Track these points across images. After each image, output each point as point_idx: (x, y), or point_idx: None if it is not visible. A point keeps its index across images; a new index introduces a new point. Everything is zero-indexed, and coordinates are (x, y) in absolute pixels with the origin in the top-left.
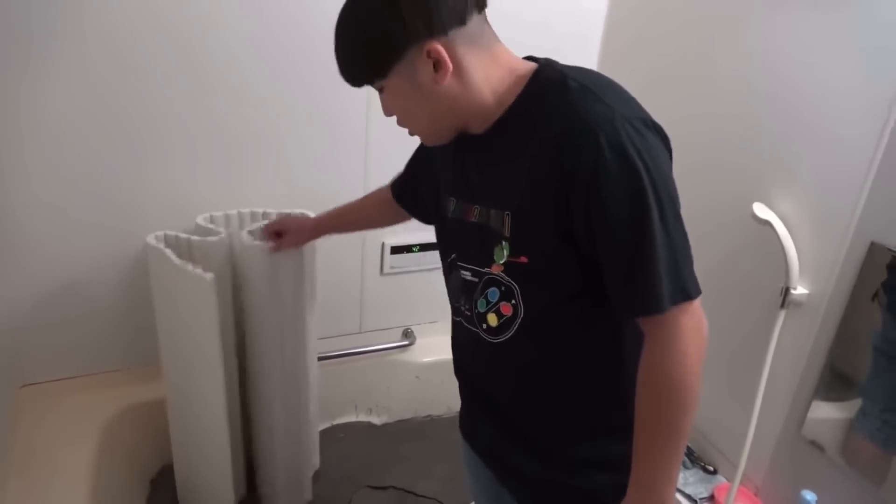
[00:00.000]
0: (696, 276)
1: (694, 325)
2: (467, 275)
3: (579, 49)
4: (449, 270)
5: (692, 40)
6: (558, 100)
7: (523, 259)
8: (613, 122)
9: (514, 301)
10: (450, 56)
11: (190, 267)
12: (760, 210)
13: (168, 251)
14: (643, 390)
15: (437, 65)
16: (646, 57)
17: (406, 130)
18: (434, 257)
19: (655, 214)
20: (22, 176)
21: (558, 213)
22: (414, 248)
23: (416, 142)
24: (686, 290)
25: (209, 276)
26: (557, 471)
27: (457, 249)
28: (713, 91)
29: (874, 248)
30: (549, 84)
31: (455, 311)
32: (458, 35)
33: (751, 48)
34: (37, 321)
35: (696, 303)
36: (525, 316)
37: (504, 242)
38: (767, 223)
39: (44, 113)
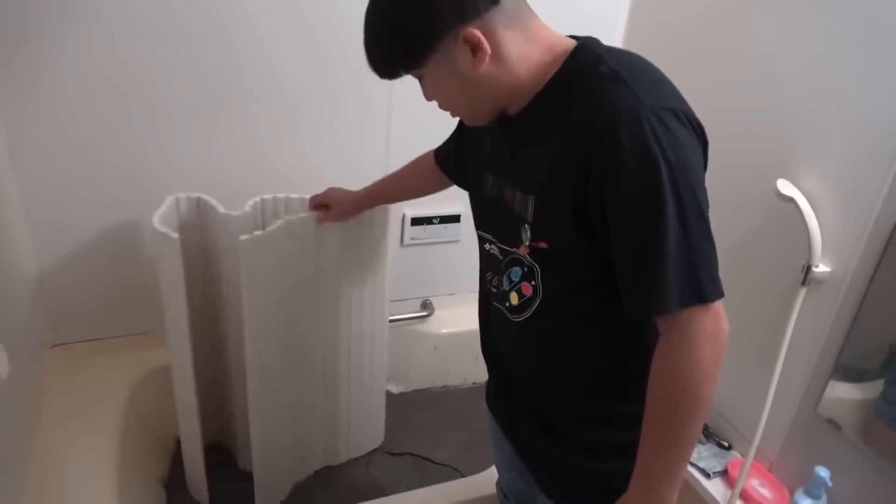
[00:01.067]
0: (718, 279)
1: (711, 330)
2: (494, 250)
3: (606, 19)
4: (481, 243)
5: (721, 10)
6: (588, 85)
7: (542, 244)
8: (639, 112)
9: (534, 282)
10: (487, 39)
11: (159, 226)
12: (785, 187)
13: (157, 217)
14: (652, 389)
15: (475, 49)
16: (673, 28)
17: (445, 113)
18: (454, 230)
19: (672, 210)
20: (55, 139)
21: (577, 202)
22: (434, 220)
23: (440, 120)
24: (702, 294)
25: (175, 235)
26: (572, 454)
27: (488, 226)
28: (741, 64)
29: None
30: (583, 68)
31: (483, 284)
32: (494, 16)
33: (781, 21)
34: (67, 283)
35: (717, 306)
36: (543, 298)
37: (527, 226)
38: (791, 200)
39: (78, 86)
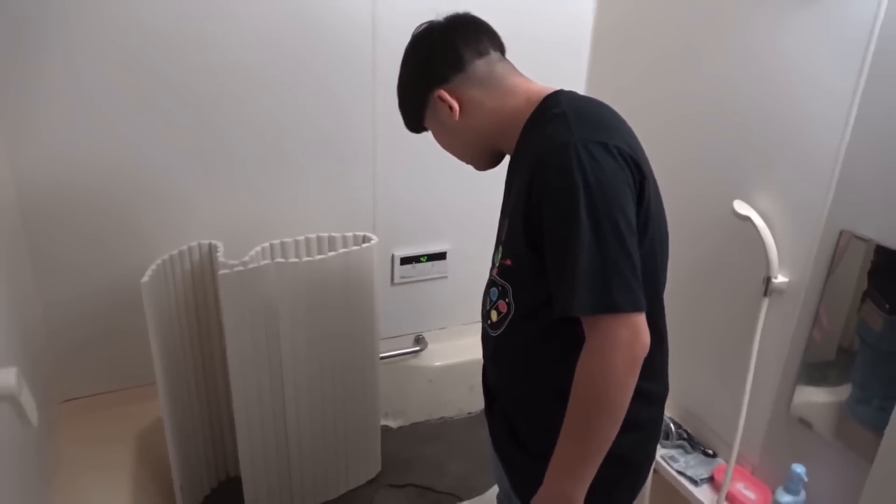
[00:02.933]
0: (636, 293)
1: (626, 339)
2: (490, 277)
3: (570, 56)
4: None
5: (674, 47)
6: (542, 125)
7: (508, 262)
8: (567, 145)
9: (507, 300)
10: (456, 97)
11: (146, 276)
12: (740, 206)
13: (152, 268)
14: (571, 391)
15: (451, 106)
16: (631, 65)
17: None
18: (441, 267)
19: (587, 226)
20: (56, 198)
21: (526, 222)
22: (422, 259)
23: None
24: (613, 303)
25: (143, 279)
26: (533, 460)
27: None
28: (694, 96)
29: (844, 236)
30: (544, 111)
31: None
32: (461, 80)
33: (728, 53)
34: (75, 339)
35: (634, 318)
36: (514, 314)
37: (501, 247)
38: (747, 218)
39: (67, 145)
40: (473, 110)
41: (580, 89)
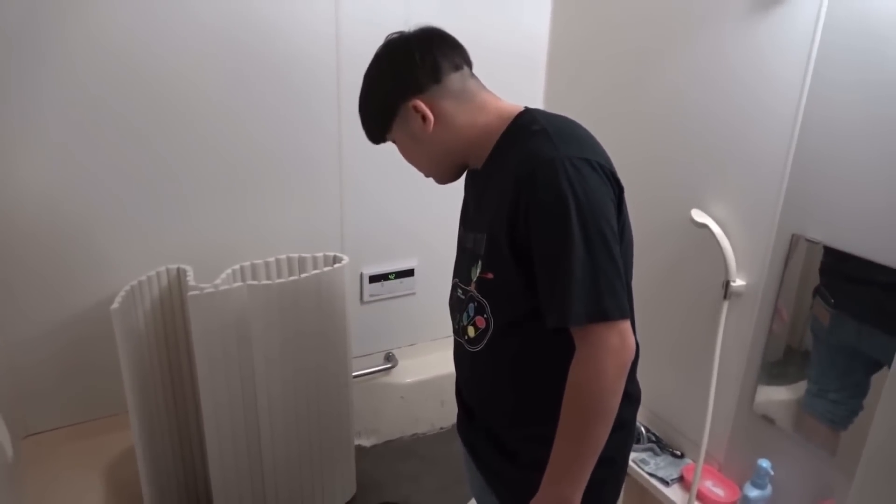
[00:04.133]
0: (622, 301)
1: (615, 345)
2: (459, 293)
3: (527, 72)
4: (452, 290)
5: (628, 62)
6: (523, 141)
7: (489, 275)
8: (554, 160)
9: (486, 315)
10: (431, 108)
11: (116, 303)
12: (698, 215)
13: (122, 295)
14: (565, 397)
15: (424, 116)
16: (587, 80)
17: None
18: (409, 283)
19: (578, 238)
20: (16, 234)
21: (512, 235)
22: (390, 276)
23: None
24: (605, 312)
25: (113, 306)
26: (520, 469)
27: (457, 272)
28: (649, 112)
29: (795, 239)
30: (521, 127)
31: (453, 327)
32: (436, 91)
33: (679, 67)
34: (36, 372)
35: (622, 325)
36: (494, 329)
37: (479, 262)
38: (705, 226)
39: (37, 175)
40: (445, 123)
41: (538, 104)
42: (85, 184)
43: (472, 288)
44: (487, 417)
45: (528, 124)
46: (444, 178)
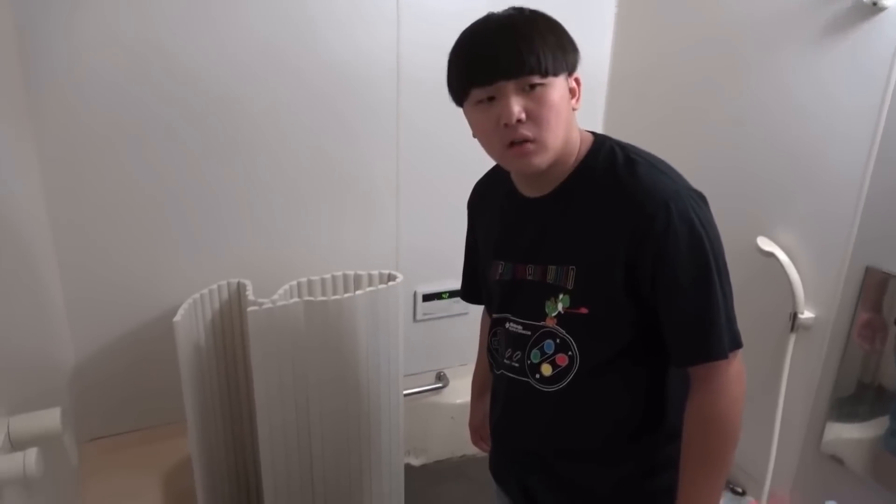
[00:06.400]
0: (738, 329)
1: (739, 371)
2: (518, 328)
3: (587, 94)
4: (495, 325)
5: (692, 87)
6: (628, 170)
7: (583, 310)
8: (679, 193)
9: (570, 353)
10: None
11: (179, 315)
12: (764, 243)
13: (184, 307)
14: (695, 429)
15: (573, 92)
16: (649, 108)
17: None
18: (463, 303)
19: (715, 276)
20: (99, 244)
21: (627, 268)
22: (444, 295)
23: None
24: (737, 340)
25: (176, 318)
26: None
27: (509, 306)
28: (711, 137)
29: (870, 272)
30: (613, 155)
31: (498, 366)
32: (575, 81)
33: (745, 93)
34: (103, 377)
35: (740, 353)
36: (581, 366)
37: (562, 295)
38: (772, 255)
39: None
40: (572, 117)
41: (598, 128)
42: (156, 194)
43: (548, 323)
44: (559, 462)
45: (622, 154)
46: (545, 157)
